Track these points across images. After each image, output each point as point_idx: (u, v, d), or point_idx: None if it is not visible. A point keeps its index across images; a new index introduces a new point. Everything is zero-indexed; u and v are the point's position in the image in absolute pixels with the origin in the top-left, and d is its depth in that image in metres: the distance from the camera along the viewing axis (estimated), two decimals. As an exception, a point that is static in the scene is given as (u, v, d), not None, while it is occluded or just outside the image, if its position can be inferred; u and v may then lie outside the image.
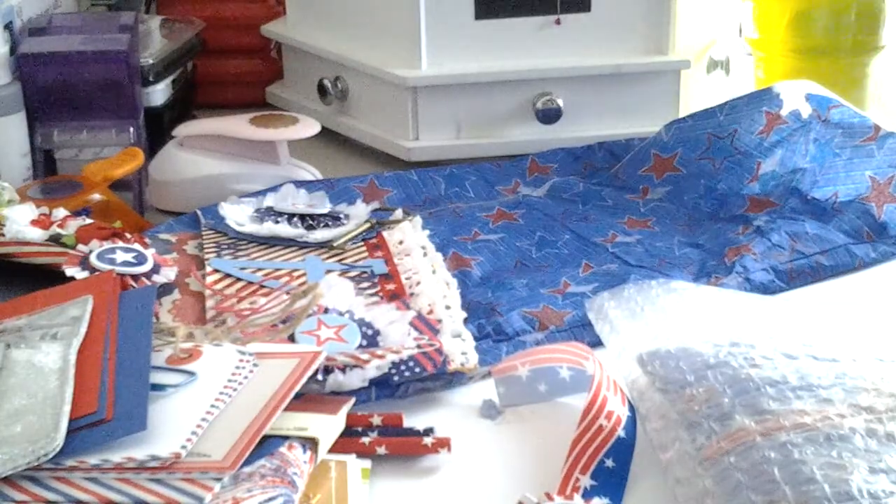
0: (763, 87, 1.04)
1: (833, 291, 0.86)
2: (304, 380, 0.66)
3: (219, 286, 0.82)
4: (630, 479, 0.64)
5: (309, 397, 0.68)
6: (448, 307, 0.79)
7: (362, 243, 0.89)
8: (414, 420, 0.69)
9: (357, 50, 1.12)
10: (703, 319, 0.73)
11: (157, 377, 0.66)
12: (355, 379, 0.70)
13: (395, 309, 0.77)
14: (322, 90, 1.16)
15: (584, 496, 0.62)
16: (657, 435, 0.65)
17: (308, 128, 1.03)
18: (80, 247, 0.81)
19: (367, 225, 0.91)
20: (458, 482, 0.66)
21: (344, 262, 0.86)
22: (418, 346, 0.72)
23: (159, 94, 1.11)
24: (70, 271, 0.78)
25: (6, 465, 0.58)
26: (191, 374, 0.66)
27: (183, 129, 1.05)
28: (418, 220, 0.91)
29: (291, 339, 0.73)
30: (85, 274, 0.78)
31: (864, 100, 1.18)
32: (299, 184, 0.98)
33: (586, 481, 0.63)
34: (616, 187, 1.01)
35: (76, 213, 0.88)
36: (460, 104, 1.08)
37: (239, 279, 0.84)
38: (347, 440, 0.66)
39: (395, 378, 0.72)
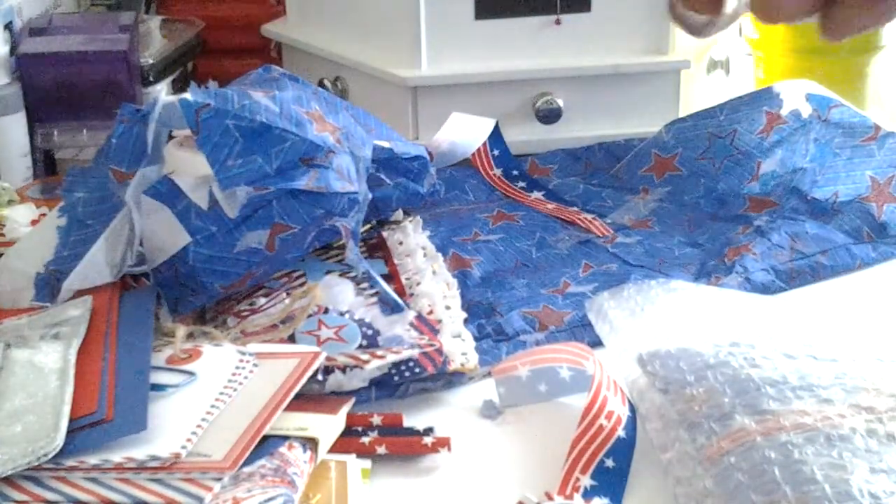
0: (763, 87, 1.04)
1: (833, 291, 0.86)
2: (304, 380, 0.66)
3: (219, 286, 0.82)
4: (630, 479, 0.64)
5: (309, 397, 0.68)
6: (448, 307, 0.79)
7: (362, 243, 0.89)
8: (414, 420, 0.69)
9: (357, 50, 1.12)
10: (703, 319, 0.73)
11: (157, 377, 0.66)
12: (355, 379, 0.70)
13: (395, 309, 0.77)
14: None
15: (584, 496, 0.62)
16: (657, 435, 0.65)
17: (308, 128, 1.02)
18: (81, 247, 0.81)
19: (368, 225, 0.91)
20: (458, 482, 0.66)
21: (344, 262, 0.86)
22: (418, 347, 0.72)
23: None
24: (70, 271, 0.78)
25: (6, 465, 0.58)
26: (191, 374, 0.66)
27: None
28: (418, 220, 0.92)
29: (291, 339, 0.73)
30: (85, 274, 0.78)
31: (864, 100, 1.18)
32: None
33: (586, 481, 0.63)
34: (616, 188, 1.01)
35: (76, 214, 0.88)
36: (460, 104, 1.08)
37: (239, 279, 0.84)
38: (347, 440, 0.66)
39: (396, 378, 0.72)
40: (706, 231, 0.94)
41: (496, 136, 1.05)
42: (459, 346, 0.75)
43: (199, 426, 0.61)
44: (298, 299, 0.75)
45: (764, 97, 1.01)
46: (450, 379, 0.74)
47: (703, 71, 1.19)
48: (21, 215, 0.87)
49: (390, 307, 0.76)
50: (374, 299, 0.78)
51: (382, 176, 0.86)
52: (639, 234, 0.94)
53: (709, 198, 0.98)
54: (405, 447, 0.67)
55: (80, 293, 0.75)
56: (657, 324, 0.73)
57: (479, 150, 1.04)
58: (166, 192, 0.76)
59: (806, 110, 1.00)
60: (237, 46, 1.28)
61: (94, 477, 0.59)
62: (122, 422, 0.61)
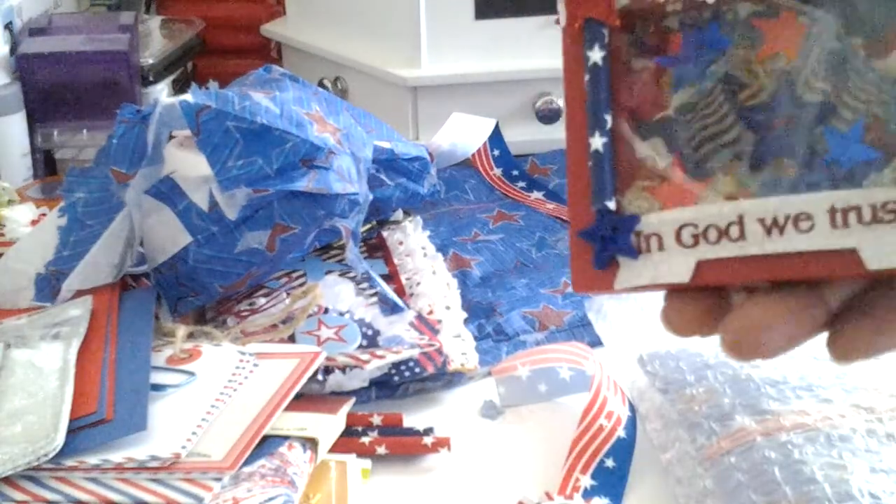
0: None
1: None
2: (304, 380, 0.66)
3: (219, 286, 0.82)
4: (630, 479, 0.64)
5: (309, 397, 0.68)
6: (448, 307, 0.79)
7: (362, 243, 0.89)
8: (414, 420, 0.69)
9: (357, 50, 1.12)
10: (703, 319, 0.73)
11: (157, 377, 0.66)
12: (355, 379, 0.70)
13: (395, 309, 0.77)
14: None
15: (584, 496, 0.62)
16: (657, 435, 0.65)
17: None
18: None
19: (368, 225, 0.91)
20: (458, 482, 0.66)
21: (344, 262, 0.86)
22: (418, 347, 0.72)
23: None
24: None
25: (6, 465, 0.58)
26: (191, 374, 0.66)
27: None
28: (418, 220, 0.92)
29: (291, 339, 0.73)
30: (85, 274, 0.78)
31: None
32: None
33: (586, 481, 0.63)
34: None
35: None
36: (460, 104, 1.08)
37: (239, 279, 0.84)
38: (347, 440, 0.66)
39: (396, 378, 0.72)
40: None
41: (496, 136, 1.05)
42: (459, 346, 0.75)
43: (199, 426, 0.61)
44: (298, 299, 0.75)
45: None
46: (450, 379, 0.74)
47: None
48: (21, 215, 0.87)
49: (390, 307, 0.76)
50: (374, 299, 0.78)
51: (383, 176, 0.86)
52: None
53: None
54: (405, 447, 0.67)
55: (80, 293, 0.75)
56: (657, 324, 0.73)
57: (479, 150, 1.04)
58: (167, 192, 0.76)
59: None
60: (237, 46, 1.28)
61: (94, 477, 0.59)
62: (122, 422, 0.61)
